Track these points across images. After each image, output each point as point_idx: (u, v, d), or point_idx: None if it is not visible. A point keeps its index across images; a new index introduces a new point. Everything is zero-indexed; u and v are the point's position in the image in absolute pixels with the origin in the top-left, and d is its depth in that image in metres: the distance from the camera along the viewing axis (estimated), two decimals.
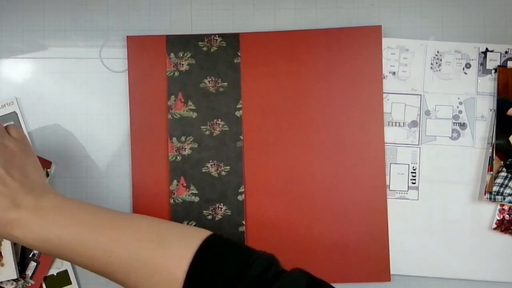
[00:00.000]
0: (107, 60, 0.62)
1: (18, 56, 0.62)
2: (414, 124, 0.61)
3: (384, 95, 0.61)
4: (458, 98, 0.61)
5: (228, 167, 0.60)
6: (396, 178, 0.61)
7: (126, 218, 0.48)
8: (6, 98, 0.61)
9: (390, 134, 0.61)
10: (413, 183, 0.61)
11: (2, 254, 0.58)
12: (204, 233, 0.47)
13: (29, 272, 0.60)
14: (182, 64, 0.60)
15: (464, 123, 0.61)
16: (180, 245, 0.45)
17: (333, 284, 0.45)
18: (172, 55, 0.60)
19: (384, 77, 0.61)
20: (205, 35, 0.60)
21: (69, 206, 0.48)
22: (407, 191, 0.61)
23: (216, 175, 0.60)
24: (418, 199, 0.61)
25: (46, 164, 0.61)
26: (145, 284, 0.45)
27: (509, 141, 0.60)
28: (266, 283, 0.43)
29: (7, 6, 0.62)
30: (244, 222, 0.61)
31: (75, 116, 0.62)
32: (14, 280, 0.60)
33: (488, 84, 0.61)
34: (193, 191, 0.60)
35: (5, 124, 0.53)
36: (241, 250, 0.47)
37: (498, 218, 0.60)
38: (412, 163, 0.61)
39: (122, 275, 0.46)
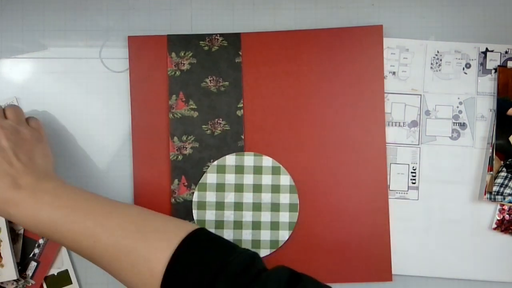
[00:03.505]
0: (107, 60, 0.62)
1: (18, 56, 0.62)
2: (414, 124, 0.61)
3: (384, 95, 0.61)
4: (458, 98, 0.61)
5: None
6: (396, 178, 0.61)
7: (116, 206, 0.49)
8: (6, 98, 0.61)
9: (390, 134, 0.61)
10: (413, 183, 0.61)
11: (2, 255, 0.58)
12: (190, 227, 0.47)
13: (29, 272, 0.60)
14: (183, 64, 0.60)
15: (464, 123, 0.61)
16: (163, 238, 0.45)
17: (334, 284, 0.45)
18: (173, 54, 0.60)
19: (384, 77, 0.61)
20: (206, 35, 0.60)
21: (65, 191, 0.49)
22: (407, 191, 0.61)
23: None
24: (418, 199, 0.61)
25: None
26: (127, 273, 0.45)
27: (509, 141, 0.60)
28: (246, 281, 0.42)
29: (7, 6, 0.62)
30: None
31: (75, 116, 0.62)
32: (14, 280, 0.59)
33: (488, 84, 0.61)
34: (194, 191, 0.60)
35: (27, 116, 0.57)
36: (224, 246, 0.46)
37: (498, 218, 0.60)
38: (412, 163, 0.61)
39: (107, 262, 0.46)
